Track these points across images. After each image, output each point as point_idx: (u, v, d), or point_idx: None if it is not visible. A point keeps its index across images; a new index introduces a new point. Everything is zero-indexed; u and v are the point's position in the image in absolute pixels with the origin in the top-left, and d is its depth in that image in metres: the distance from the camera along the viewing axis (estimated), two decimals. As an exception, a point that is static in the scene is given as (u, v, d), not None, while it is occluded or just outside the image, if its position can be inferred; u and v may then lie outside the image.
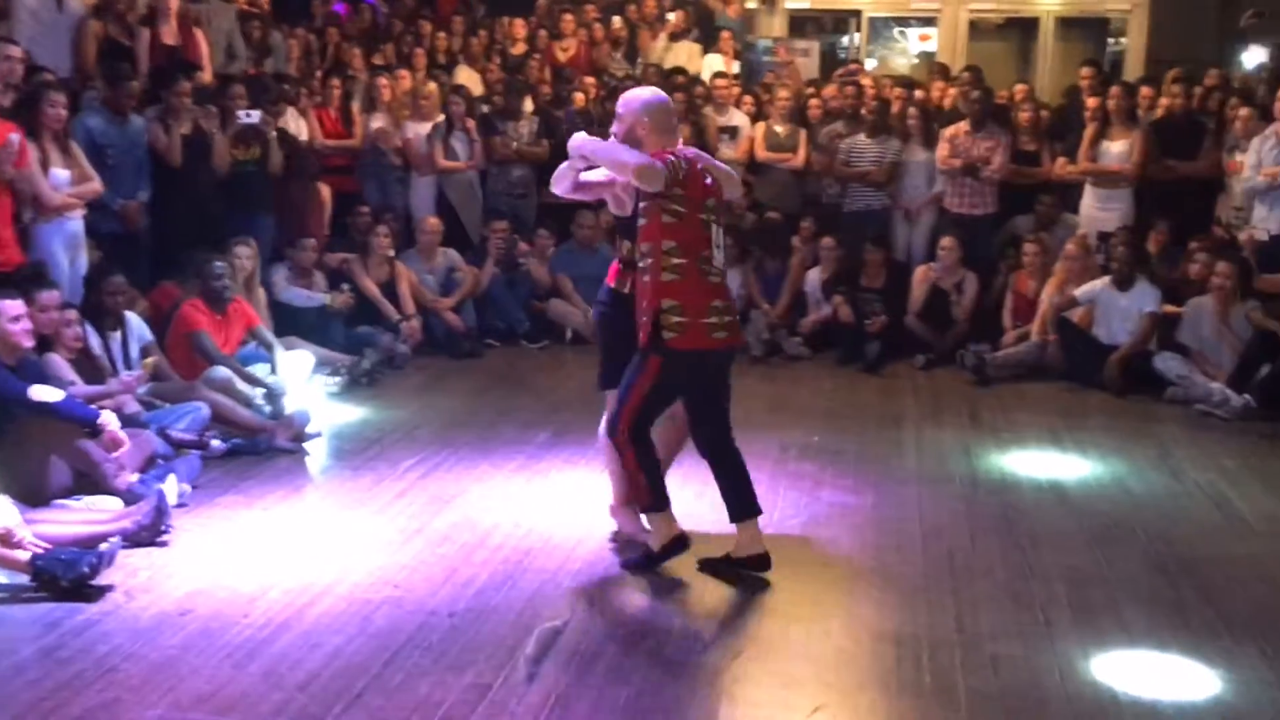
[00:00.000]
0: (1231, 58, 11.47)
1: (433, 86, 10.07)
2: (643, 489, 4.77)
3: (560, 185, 4.93)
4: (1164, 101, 9.37)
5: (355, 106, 9.90)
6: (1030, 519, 5.53)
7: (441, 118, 9.80)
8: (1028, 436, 6.95)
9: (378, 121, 9.80)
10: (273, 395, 6.75)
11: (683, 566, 4.84)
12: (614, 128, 4.78)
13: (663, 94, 4.99)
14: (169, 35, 8.54)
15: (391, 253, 8.90)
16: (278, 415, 6.59)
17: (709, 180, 4.70)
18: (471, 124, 9.88)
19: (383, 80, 10.00)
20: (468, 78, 11.00)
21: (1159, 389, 7.78)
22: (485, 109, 10.39)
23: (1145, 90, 9.80)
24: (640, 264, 4.65)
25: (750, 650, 4.15)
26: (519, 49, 11.55)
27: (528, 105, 10.37)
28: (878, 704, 3.83)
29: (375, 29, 11.76)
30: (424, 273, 9.12)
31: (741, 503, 4.81)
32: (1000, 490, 5.99)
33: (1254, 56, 11.03)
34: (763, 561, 4.76)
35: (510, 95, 10.21)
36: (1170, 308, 8.12)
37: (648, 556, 4.82)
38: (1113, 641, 4.25)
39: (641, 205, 4.63)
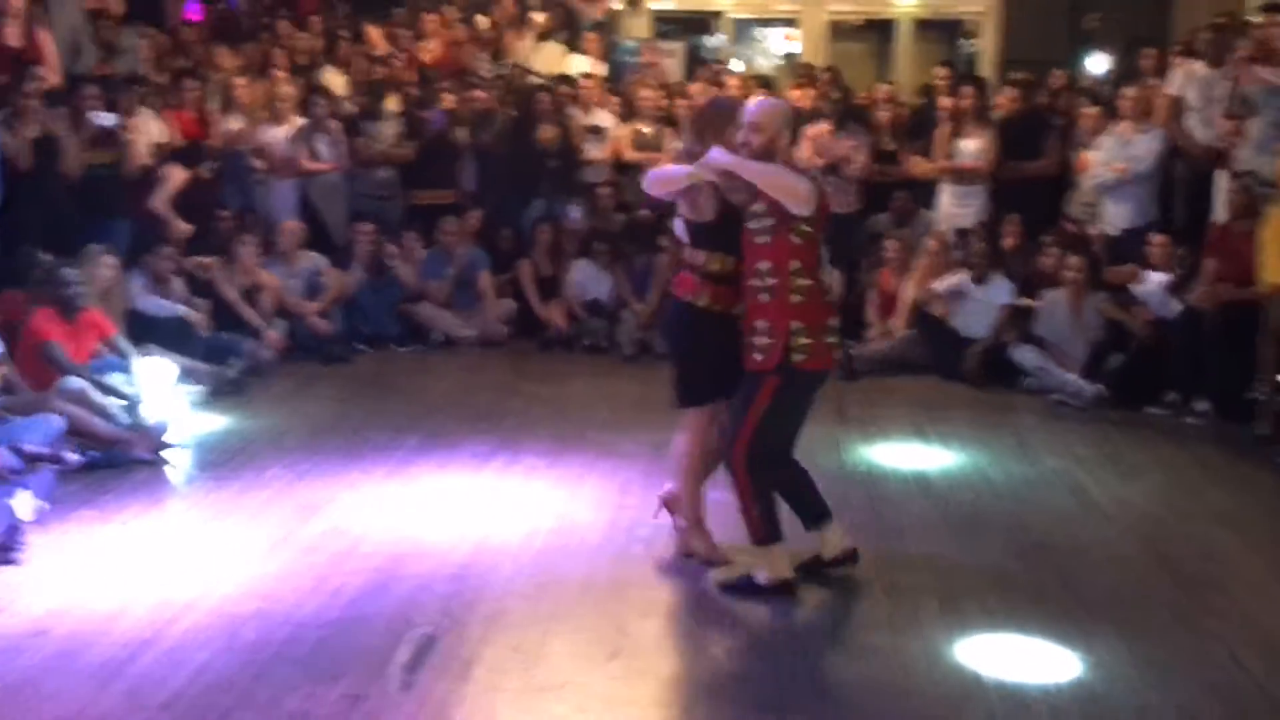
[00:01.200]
0: (1079, 60, 11.87)
1: (288, 89, 9.85)
2: (754, 521, 4.58)
3: (663, 189, 4.67)
4: (1009, 101, 9.56)
5: (213, 108, 9.64)
6: (897, 510, 5.64)
7: (300, 120, 9.60)
8: (893, 429, 7.08)
9: (235, 123, 9.57)
10: (130, 405, 6.53)
11: (564, 569, 4.83)
12: (750, 138, 4.48)
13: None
14: (13, 37, 8.21)
15: (253, 258, 8.70)
16: (136, 426, 6.38)
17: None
18: (336, 125, 9.71)
19: (240, 81, 9.76)
20: (333, 79, 10.82)
21: (1017, 380, 8.01)
22: (352, 109, 10.22)
23: (1010, 90, 10.04)
24: (757, 282, 4.46)
25: (626, 653, 4.14)
26: (382, 49, 11.39)
27: (393, 106, 10.23)
28: (754, 698, 3.86)
29: (233, 29, 11.48)
30: (288, 277, 8.92)
31: (815, 507, 4.78)
32: (868, 483, 6.09)
33: (1099, 59, 11.45)
34: (852, 554, 4.79)
35: (372, 96, 10.06)
36: (1026, 301, 8.37)
37: (750, 586, 4.61)
38: (977, 627, 4.36)
39: (768, 223, 4.43)
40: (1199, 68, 8.49)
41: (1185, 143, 8.42)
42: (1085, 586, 4.75)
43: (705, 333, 4.66)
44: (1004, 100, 9.51)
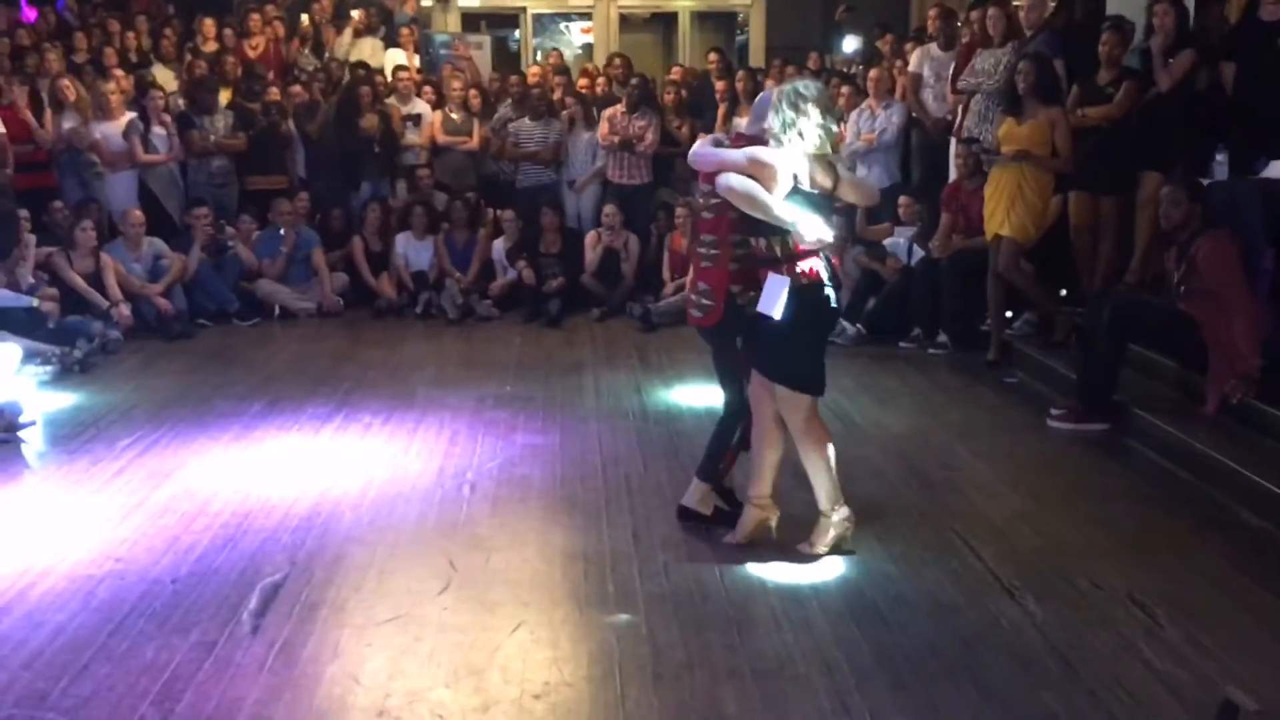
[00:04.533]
0: (833, 45, 12.17)
1: (112, 85, 9.30)
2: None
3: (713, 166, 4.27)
4: (774, 82, 9.68)
5: (44, 108, 9.05)
6: (692, 444, 5.68)
7: (129, 115, 9.11)
8: (687, 373, 7.16)
9: (69, 121, 9.01)
10: (-19, 389, 6.13)
11: (398, 515, 4.76)
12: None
13: None
14: None
15: (95, 244, 8.25)
16: (-12, 408, 5.99)
17: None
18: (168, 119, 9.26)
19: (65, 82, 9.16)
20: (163, 75, 10.29)
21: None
22: (182, 104, 9.76)
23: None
24: (702, 250, 4.45)
25: (456, 582, 4.12)
26: (210, 47, 10.87)
27: (224, 99, 9.80)
28: (570, 616, 3.89)
29: (63, 30, 10.79)
30: (130, 262, 8.50)
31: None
32: (666, 420, 6.18)
33: (850, 44, 11.78)
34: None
35: (202, 91, 9.60)
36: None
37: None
38: (760, 541, 4.45)
39: (714, 201, 4.34)
40: (933, 49, 8.78)
41: (921, 114, 8.72)
42: (851, 499, 4.86)
43: (808, 308, 4.23)
44: (771, 82, 9.63)
